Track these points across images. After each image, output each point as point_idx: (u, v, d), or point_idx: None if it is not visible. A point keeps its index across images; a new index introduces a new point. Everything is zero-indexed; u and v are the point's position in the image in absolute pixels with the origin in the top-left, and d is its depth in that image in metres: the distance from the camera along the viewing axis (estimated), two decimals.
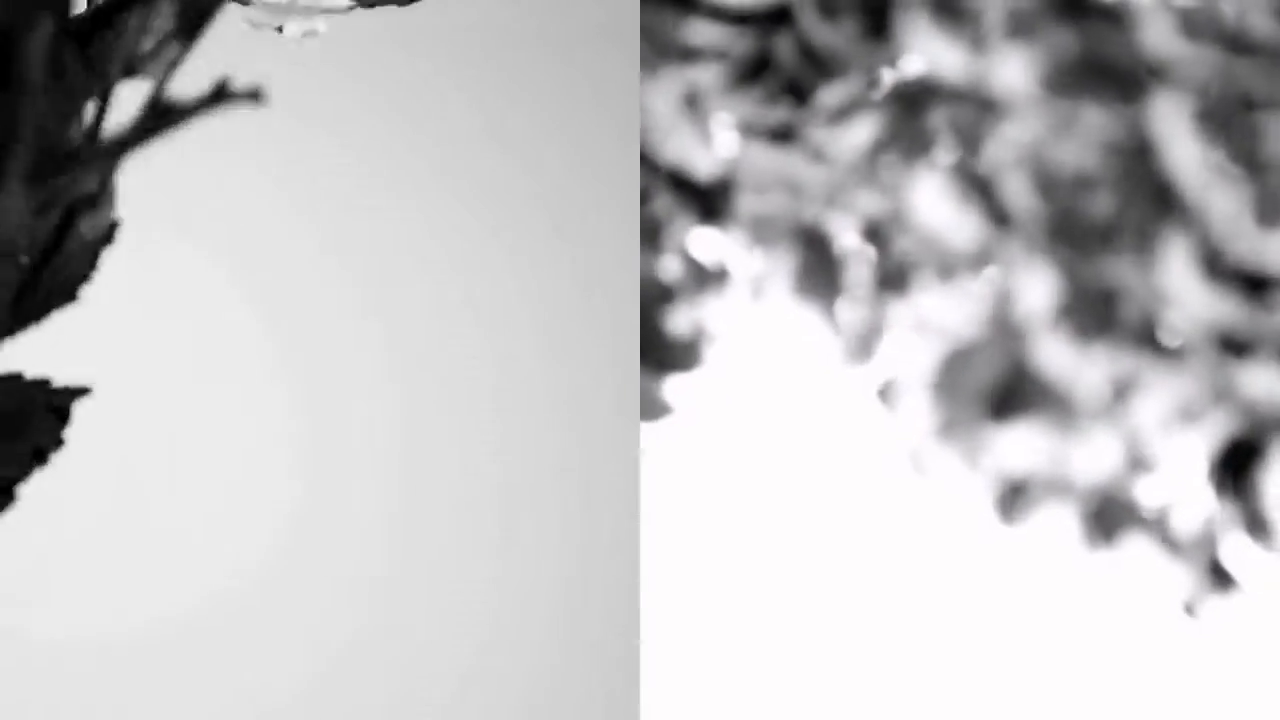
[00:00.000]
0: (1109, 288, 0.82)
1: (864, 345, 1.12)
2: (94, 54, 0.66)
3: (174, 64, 0.65)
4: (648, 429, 1.13)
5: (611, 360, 1.11)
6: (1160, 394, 0.87)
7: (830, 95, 0.91)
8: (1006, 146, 0.88)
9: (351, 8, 0.80)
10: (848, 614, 1.43)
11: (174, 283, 1.04)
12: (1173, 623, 0.91)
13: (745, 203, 1.18)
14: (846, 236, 0.93)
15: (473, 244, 1.11)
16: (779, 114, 1.17)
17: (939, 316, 1.15)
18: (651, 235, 1.13)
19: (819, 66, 1.05)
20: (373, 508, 1.09)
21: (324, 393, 1.02)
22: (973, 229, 0.80)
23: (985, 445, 0.74)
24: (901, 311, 1.07)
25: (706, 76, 0.86)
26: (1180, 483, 0.95)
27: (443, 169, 1.11)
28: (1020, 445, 0.75)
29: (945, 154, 0.84)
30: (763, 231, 1.20)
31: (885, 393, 1.19)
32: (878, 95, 0.86)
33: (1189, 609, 0.91)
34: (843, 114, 0.91)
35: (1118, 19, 0.75)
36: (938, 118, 0.93)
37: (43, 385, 0.72)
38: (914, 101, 0.86)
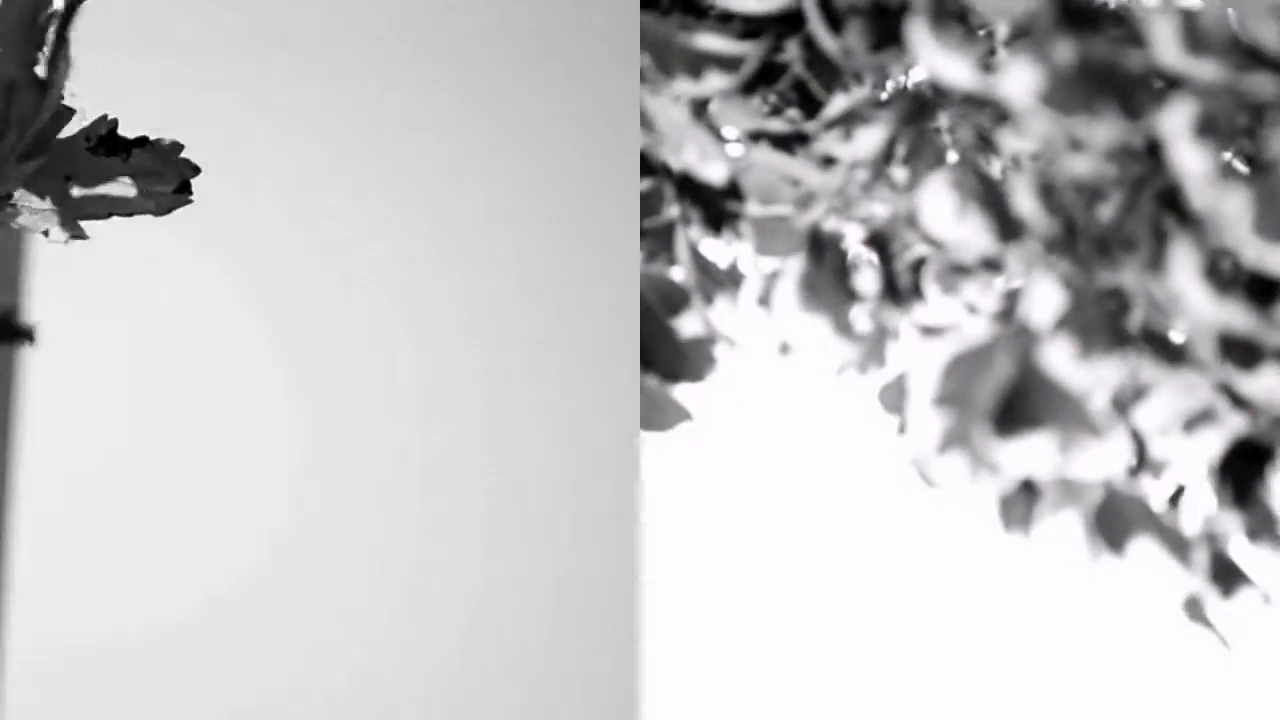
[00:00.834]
0: (1117, 294, 0.82)
1: (872, 353, 1.12)
2: None
3: None
4: (652, 438, 1.13)
5: (612, 368, 1.11)
6: (1168, 399, 0.87)
7: (839, 102, 0.91)
8: (1015, 154, 0.88)
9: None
10: (852, 619, 1.43)
11: (173, 282, 1.04)
12: (1180, 628, 0.92)
13: (753, 210, 1.18)
14: (855, 244, 0.93)
15: (473, 249, 1.11)
16: (787, 120, 1.18)
17: (947, 324, 1.15)
18: (658, 243, 1.13)
19: (828, 73, 1.05)
20: (372, 510, 1.09)
21: (323, 397, 1.02)
22: (982, 236, 0.81)
23: (992, 453, 0.75)
24: (910, 319, 1.07)
25: (715, 83, 0.86)
26: (1188, 487, 0.95)
27: (444, 174, 1.11)
28: (1027, 453, 0.75)
29: (954, 161, 0.85)
30: (771, 238, 1.20)
31: (892, 400, 1.19)
32: (887, 102, 0.86)
33: (1195, 613, 0.91)
34: (852, 120, 0.92)
35: (1126, 27, 0.75)
36: (947, 125, 0.93)
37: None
38: (923, 108, 0.87)
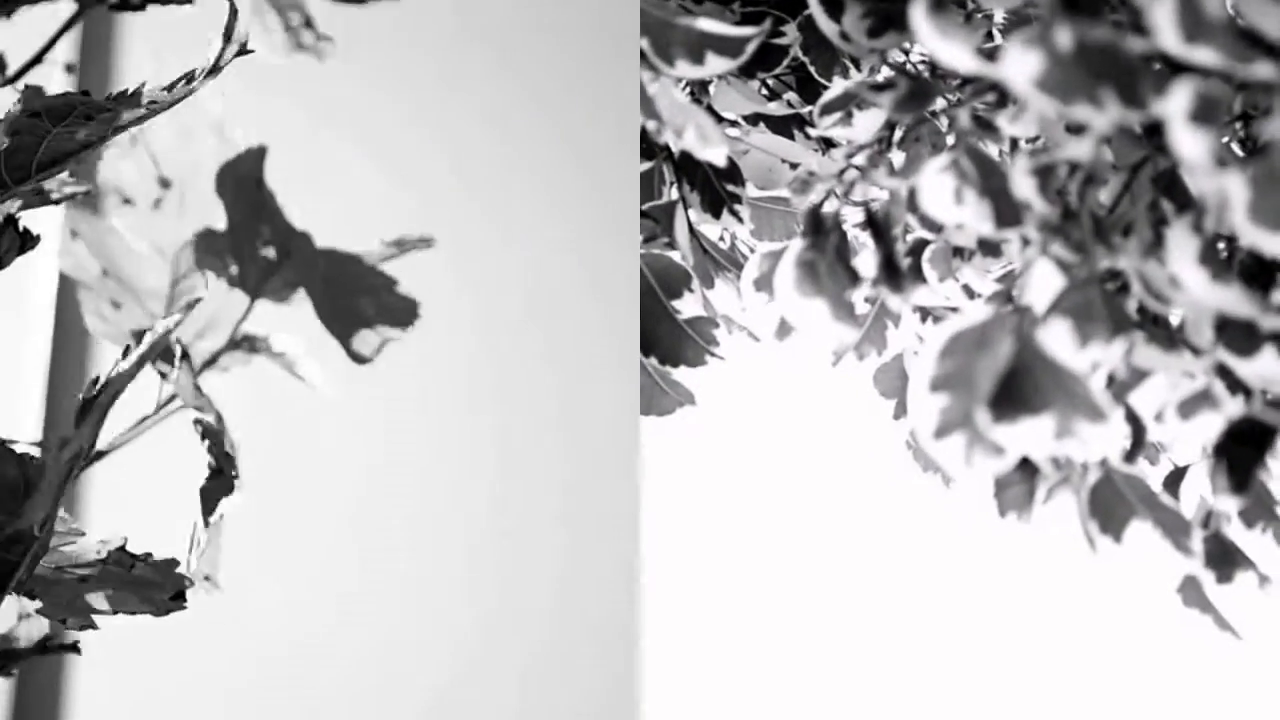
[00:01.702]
0: (1116, 277, 0.82)
1: (870, 337, 1.13)
2: None
3: None
4: (651, 423, 1.13)
5: (612, 355, 1.11)
6: (1165, 382, 0.87)
7: (838, 85, 0.91)
8: (1015, 138, 0.89)
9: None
10: (850, 605, 1.43)
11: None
12: (1177, 612, 0.92)
13: (752, 192, 1.18)
14: (855, 226, 0.93)
15: (473, 233, 1.11)
16: (786, 104, 1.18)
17: (946, 307, 1.15)
18: (658, 225, 1.13)
19: (827, 56, 1.05)
20: (371, 494, 1.09)
21: (319, 382, 1.02)
22: (981, 220, 0.81)
23: (990, 437, 0.75)
24: (909, 302, 1.07)
25: (714, 66, 0.86)
26: (1186, 470, 0.96)
27: (444, 163, 1.12)
28: (1026, 435, 0.75)
29: (954, 144, 0.85)
30: (770, 221, 1.20)
31: (887, 383, 1.20)
32: (886, 85, 0.86)
33: (1192, 596, 0.92)
34: (852, 103, 0.92)
35: (1126, 12, 0.75)
36: (947, 108, 0.93)
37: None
38: (922, 91, 0.87)
